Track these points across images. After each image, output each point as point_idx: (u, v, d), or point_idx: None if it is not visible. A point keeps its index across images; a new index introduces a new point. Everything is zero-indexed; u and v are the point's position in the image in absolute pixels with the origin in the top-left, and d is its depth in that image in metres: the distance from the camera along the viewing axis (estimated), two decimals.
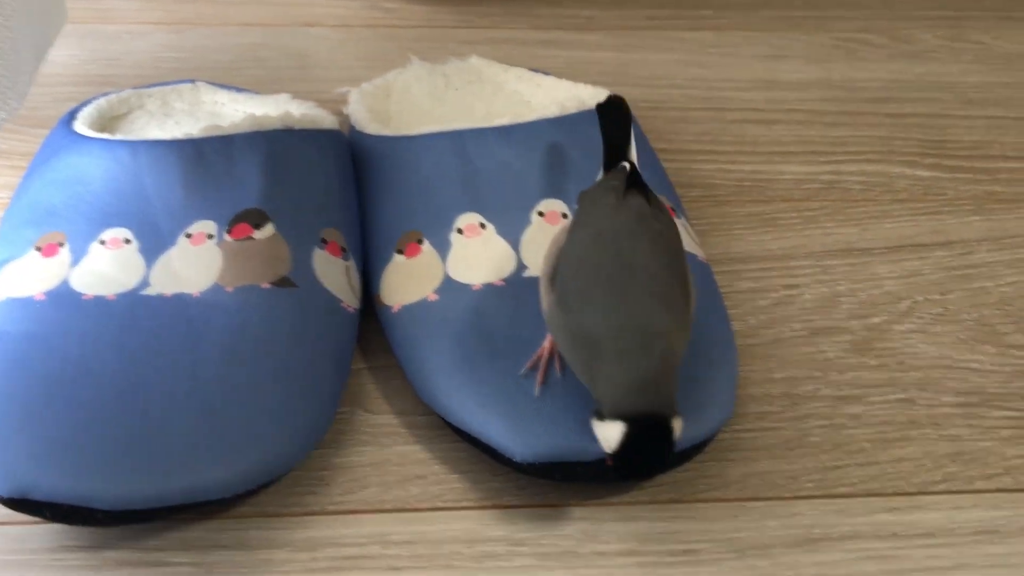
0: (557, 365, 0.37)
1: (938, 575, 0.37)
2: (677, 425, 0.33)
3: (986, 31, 0.67)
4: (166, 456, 0.35)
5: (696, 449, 0.38)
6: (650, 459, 0.33)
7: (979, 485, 0.40)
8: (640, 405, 0.33)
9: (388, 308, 0.42)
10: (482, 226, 0.42)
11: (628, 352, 0.33)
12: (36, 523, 0.36)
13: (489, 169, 0.43)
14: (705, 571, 0.36)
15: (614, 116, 0.40)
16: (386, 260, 0.43)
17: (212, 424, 0.36)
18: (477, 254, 0.42)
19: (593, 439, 0.34)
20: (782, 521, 0.38)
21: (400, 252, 0.42)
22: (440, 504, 0.38)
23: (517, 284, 0.41)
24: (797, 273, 0.48)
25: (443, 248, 0.42)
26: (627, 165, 0.39)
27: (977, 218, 0.52)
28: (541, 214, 0.42)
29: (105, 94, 0.50)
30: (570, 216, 0.42)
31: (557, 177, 0.43)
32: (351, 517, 0.37)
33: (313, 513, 0.37)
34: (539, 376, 0.37)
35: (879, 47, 0.65)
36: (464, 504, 0.38)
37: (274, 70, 0.59)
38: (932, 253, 0.50)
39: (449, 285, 0.41)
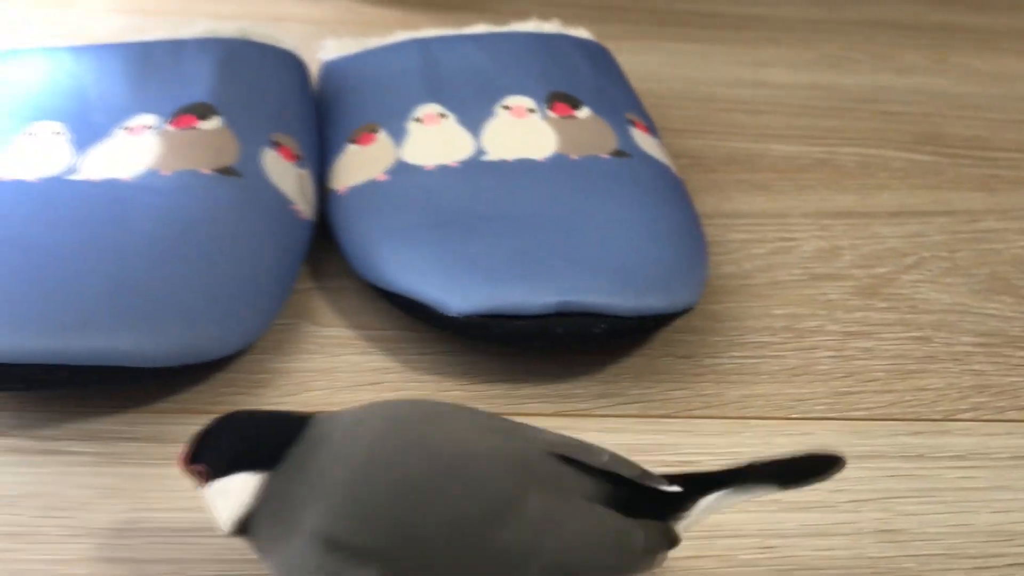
0: None
1: (975, 495, 0.32)
2: None
3: (973, 56, 0.66)
4: (75, 312, 0.30)
5: (657, 321, 0.33)
6: None
7: (1012, 416, 0.35)
8: None
9: (335, 192, 0.38)
10: (442, 116, 0.39)
11: None
12: None
13: (455, 66, 0.40)
14: None
15: None
16: (338, 152, 0.39)
17: (131, 291, 0.31)
18: (434, 139, 0.38)
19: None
20: (792, 439, 0.33)
21: (353, 142, 0.39)
22: None
23: (473, 166, 0.37)
24: (793, 228, 0.44)
25: (399, 136, 0.38)
26: None
27: (981, 194, 0.49)
28: (507, 108, 0.39)
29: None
30: (537, 111, 0.39)
31: (524, 77, 0.40)
32: None
33: None
34: None
35: (863, 62, 0.63)
36: None
37: None
38: (936, 219, 0.46)
39: (401, 167, 0.37)
